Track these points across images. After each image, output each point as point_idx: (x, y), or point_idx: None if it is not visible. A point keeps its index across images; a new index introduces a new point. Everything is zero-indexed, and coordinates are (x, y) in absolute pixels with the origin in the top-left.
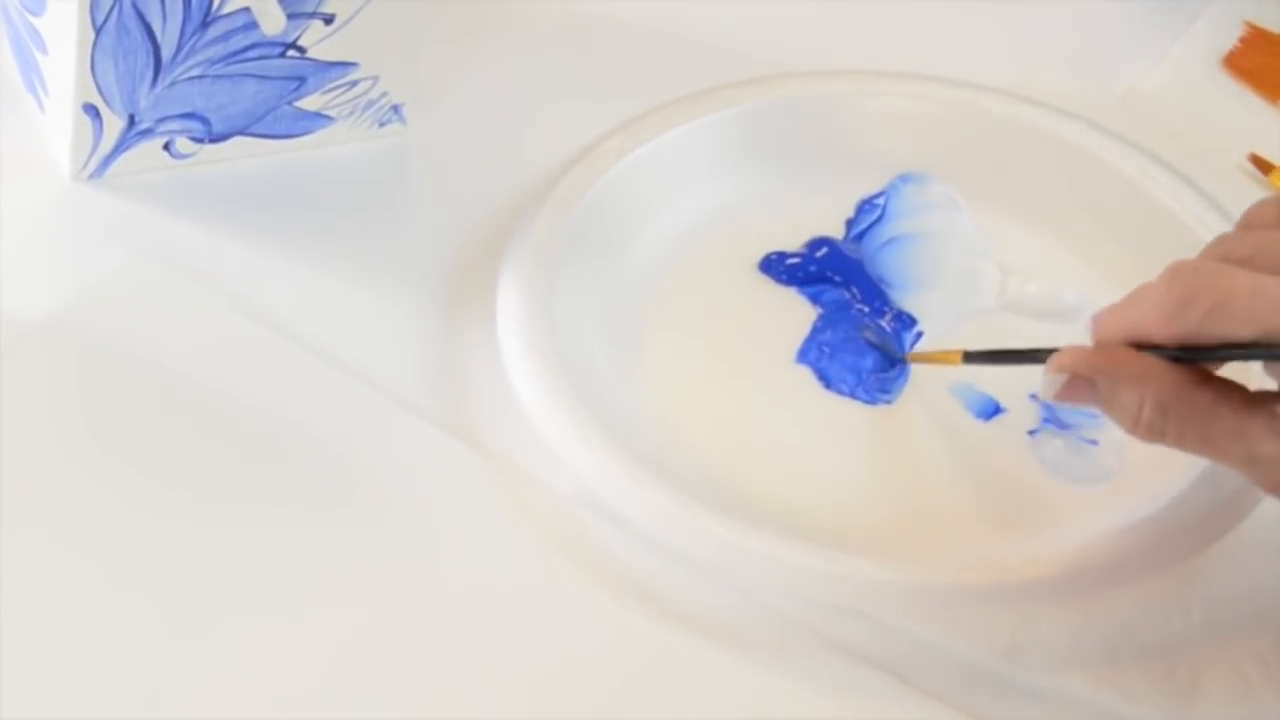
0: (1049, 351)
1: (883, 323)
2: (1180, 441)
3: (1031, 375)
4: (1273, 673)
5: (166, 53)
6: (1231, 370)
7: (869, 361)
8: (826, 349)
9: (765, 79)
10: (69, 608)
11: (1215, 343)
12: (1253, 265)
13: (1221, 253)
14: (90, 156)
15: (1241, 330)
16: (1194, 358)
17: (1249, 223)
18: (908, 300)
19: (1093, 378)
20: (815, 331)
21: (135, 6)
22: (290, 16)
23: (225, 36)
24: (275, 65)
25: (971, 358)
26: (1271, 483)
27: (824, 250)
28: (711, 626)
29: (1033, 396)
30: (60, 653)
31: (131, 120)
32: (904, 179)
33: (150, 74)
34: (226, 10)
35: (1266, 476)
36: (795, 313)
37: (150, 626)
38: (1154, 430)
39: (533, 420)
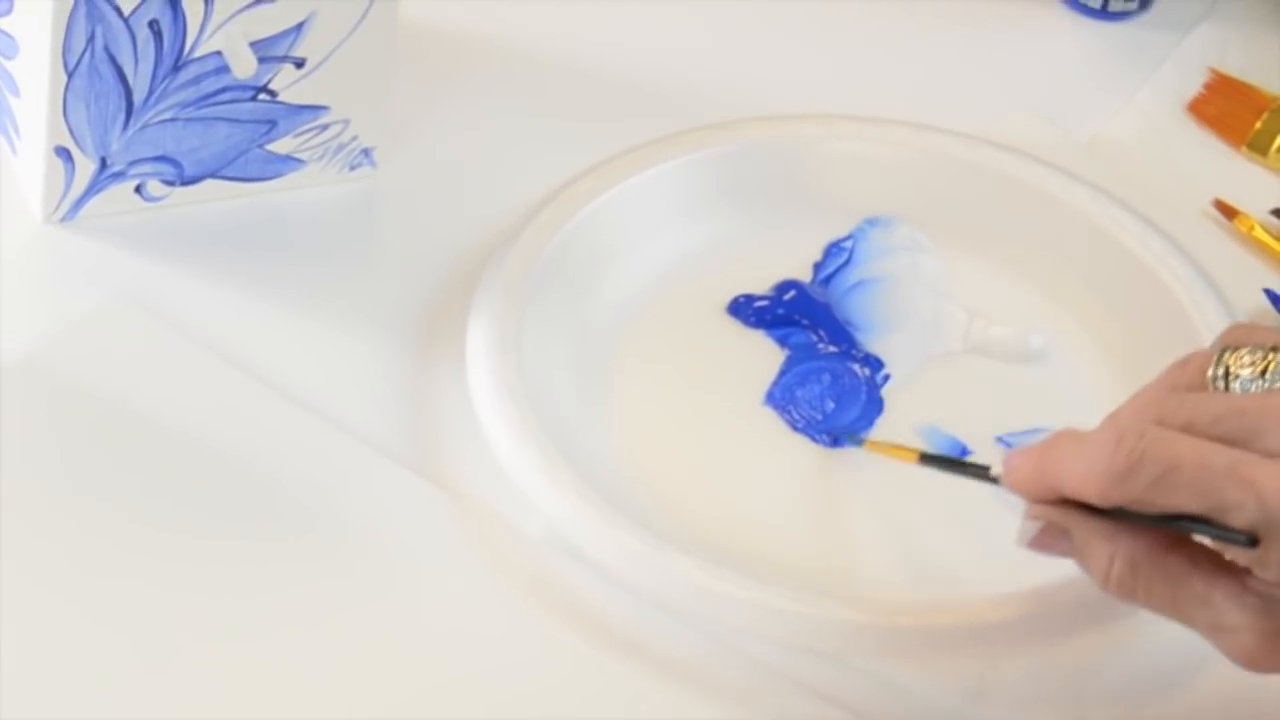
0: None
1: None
2: (1148, 602)
3: (998, 419)
4: (1234, 717)
5: (138, 96)
6: None
7: (834, 404)
8: (793, 392)
9: (734, 123)
10: (39, 643)
11: (1157, 513)
12: (1191, 431)
13: (1158, 416)
14: (62, 199)
15: (1189, 503)
16: (1131, 518)
17: (1174, 383)
18: (875, 343)
19: (1066, 528)
20: (782, 374)
21: (107, 49)
22: (261, 60)
23: (197, 80)
24: (246, 109)
25: (927, 460)
26: (1236, 652)
27: (792, 293)
28: (680, 668)
29: (1000, 438)
30: (31, 687)
31: (103, 163)
32: (871, 223)
33: (122, 117)
34: (198, 54)
35: (1231, 646)
36: (763, 355)
37: (119, 663)
38: (1124, 588)
39: (502, 461)
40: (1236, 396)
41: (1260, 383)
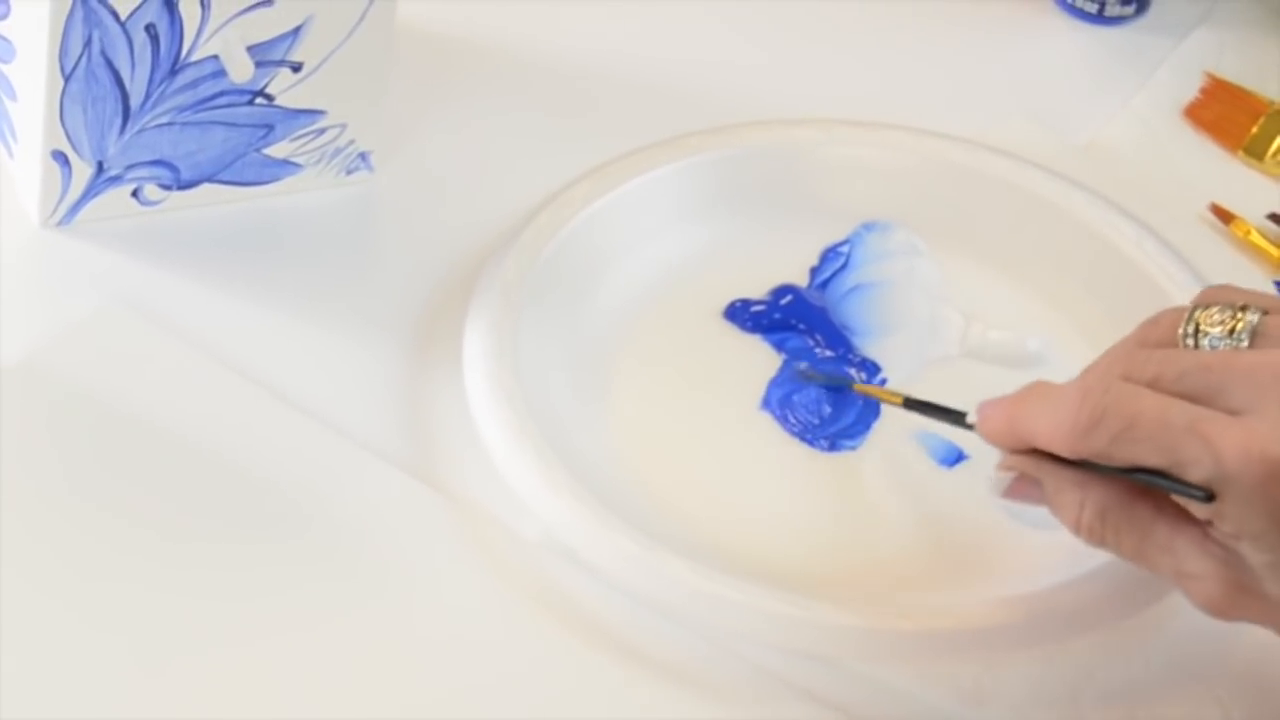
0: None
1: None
2: (1117, 548)
3: None
4: (1232, 719)
5: (135, 100)
6: None
7: (830, 408)
8: (790, 396)
9: (731, 127)
10: (36, 644)
11: (1120, 466)
12: (1156, 386)
13: (1125, 371)
14: (59, 203)
15: (1149, 457)
16: (1098, 469)
17: (1144, 340)
18: (871, 347)
19: (1038, 477)
20: (779, 378)
21: (104, 54)
22: (258, 64)
23: (194, 84)
24: (243, 113)
25: (911, 404)
26: (1201, 599)
27: (788, 298)
28: (676, 671)
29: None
30: (27, 689)
31: (100, 167)
32: (868, 227)
33: (119, 121)
34: (195, 58)
35: (1196, 592)
36: (759, 360)
37: (116, 666)
38: (1094, 534)
39: (499, 465)
40: (1203, 353)
41: (1228, 341)
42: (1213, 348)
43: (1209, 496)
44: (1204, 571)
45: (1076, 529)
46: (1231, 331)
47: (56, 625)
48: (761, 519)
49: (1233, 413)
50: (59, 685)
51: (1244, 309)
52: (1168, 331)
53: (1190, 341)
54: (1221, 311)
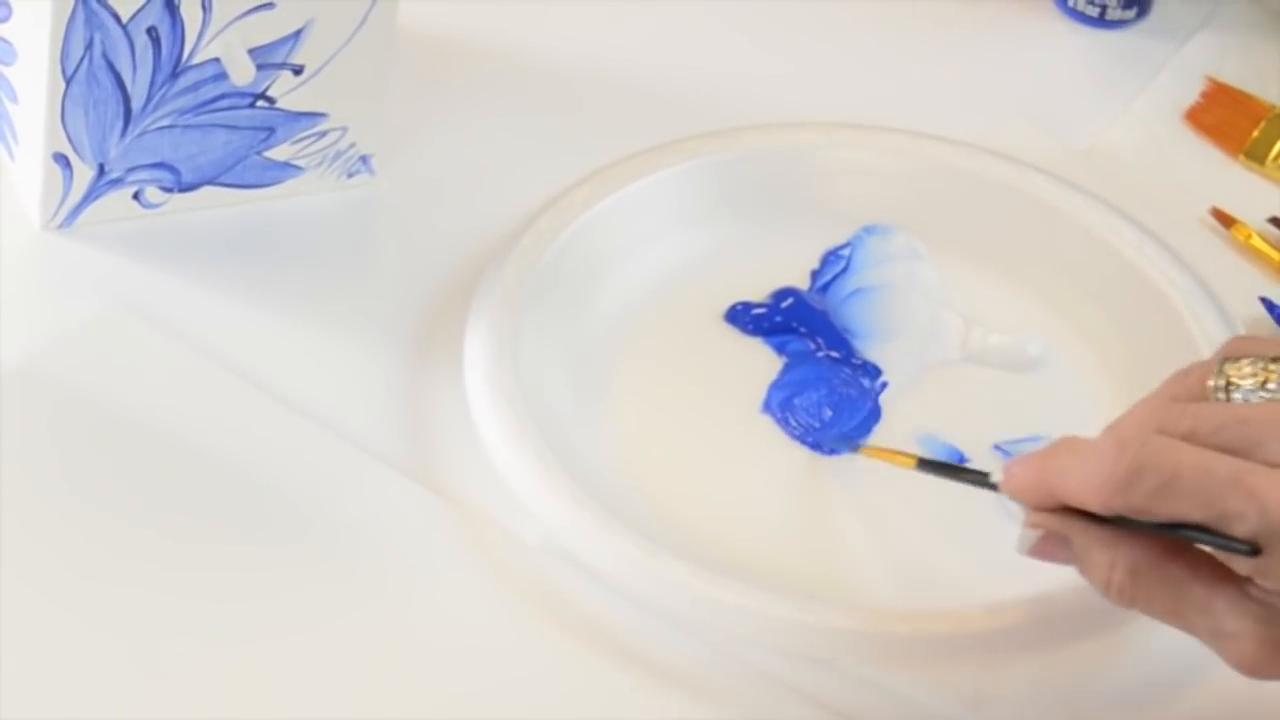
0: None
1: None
2: (1149, 609)
3: (995, 427)
4: None
5: (137, 103)
6: None
7: (831, 413)
8: (791, 399)
9: (731, 130)
10: (35, 647)
11: (1159, 521)
12: (1193, 440)
13: (1160, 425)
14: (60, 206)
15: (1191, 511)
16: (1132, 526)
17: (1175, 394)
18: (872, 351)
19: (1067, 536)
20: (780, 381)
21: (106, 56)
22: (260, 67)
23: (195, 87)
24: (245, 115)
25: (926, 466)
26: (1237, 659)
27: (789, 301)
28: (677, 675)
29: (997, 446)
30: (27, 691)
31: (101, 170)
32: (869, 230)
33: (120, 124)
34: (196, 60)
35: (1232, 652)
36: (760, 363)
37: (115, 668)
38: (1124, 595)
39: (499, 468)
40: (1239, 406)
41: (1262, 394)
42: (1245, 401)
43: (1254, 550)
44: (1241, 631)
45: (1106, 589)
46: (1264, 384)
47: (56, 627)
48: (762, 522)
49: (1273, 465)
50: (58, 687)
51: (1275, 360)
52: (1197, 385)
53: (1221, 396)
54: (1253, 364)
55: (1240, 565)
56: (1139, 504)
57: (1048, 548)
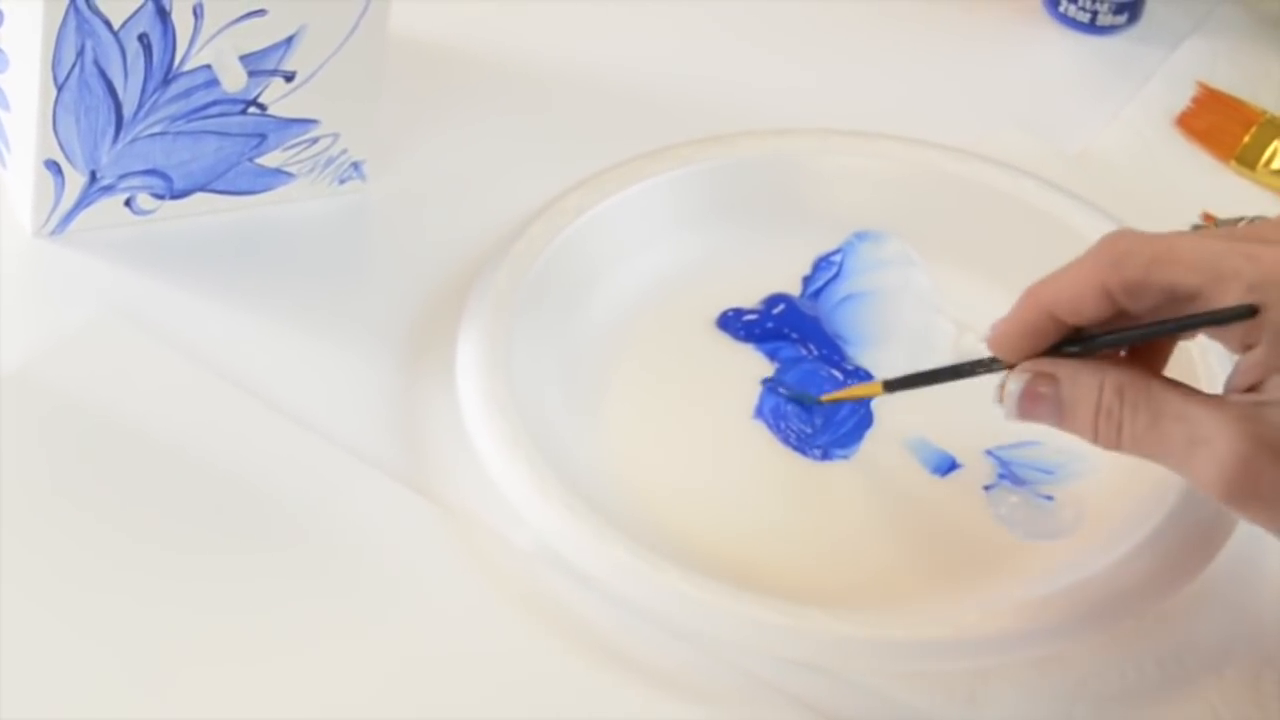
0: (972, 365)
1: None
2: (1133, 424)
3: (987, 432)
4: None
5: (128, 109)
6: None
7: (822, 418)
8: (783, 405)
9: (723, 137)
10: (28, 656)
11: (1157, 293)
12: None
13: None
14: (52, 213)
15: (1186, 277)
16: (1118, 341)
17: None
18: (864, 356)
19: (1054, 373)
20: (772, 387)
21: (97, 63)
22: (251, 74)
23: (187, 93)
24: (236, 122)
25: (893, 385)
26: (1212, 466)
27: (781, 307)
28: (670, 680)
29: (989, 451)
30: (19, 700)
31: (93, 176)
32: (860, 236)
33: (112, 130)
34: (188, 67)
35: (1206, 459)
36: (752, 369)
37: (108, 677)
38: (1112, 418)
39: (492, 474)
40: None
41: None
42: None
43: (1251, 311)
44: (1216, 433)
45: (1095, 414)
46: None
47: (50, 636)
48: (755, 528)
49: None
50: (52, 696)
51: (1240, 219)
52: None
53: None
54: (1221, 224)
55: (1235, 337)
56: (1134, 276)
57: (1032, 405)
